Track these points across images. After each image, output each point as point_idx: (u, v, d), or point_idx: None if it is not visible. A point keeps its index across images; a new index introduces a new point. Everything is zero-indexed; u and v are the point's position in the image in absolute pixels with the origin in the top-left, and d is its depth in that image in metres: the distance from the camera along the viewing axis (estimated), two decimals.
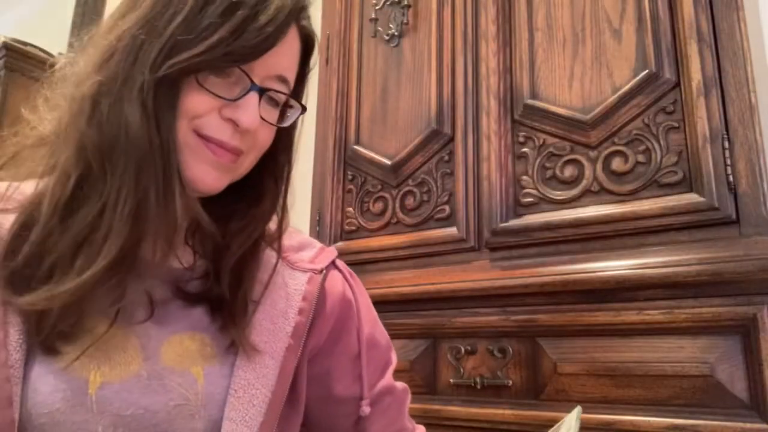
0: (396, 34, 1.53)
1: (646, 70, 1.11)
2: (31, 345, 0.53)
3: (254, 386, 0.59)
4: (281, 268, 0.67)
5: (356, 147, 1.55)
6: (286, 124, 0.63)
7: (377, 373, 0.71)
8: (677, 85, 1.08)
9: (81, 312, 0.53)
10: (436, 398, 1.22)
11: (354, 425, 0.69)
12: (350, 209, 1.53)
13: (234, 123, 0.56)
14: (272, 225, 0.68)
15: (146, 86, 0.52)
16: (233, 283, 0.62)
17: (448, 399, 1.20)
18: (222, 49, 0.53)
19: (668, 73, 1.09)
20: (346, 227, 1.53)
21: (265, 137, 0.61)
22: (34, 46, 2.18)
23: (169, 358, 0.58)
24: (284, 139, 0.64)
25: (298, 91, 0.65)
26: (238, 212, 0.63)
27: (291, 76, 0.61)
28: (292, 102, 0.62)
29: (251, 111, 0.56)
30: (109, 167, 0.53)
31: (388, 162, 1.47)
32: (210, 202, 0.61)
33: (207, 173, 0.57)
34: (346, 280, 0.72)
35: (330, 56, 1.68)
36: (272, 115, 0.61)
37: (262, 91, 0.58)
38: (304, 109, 0.63)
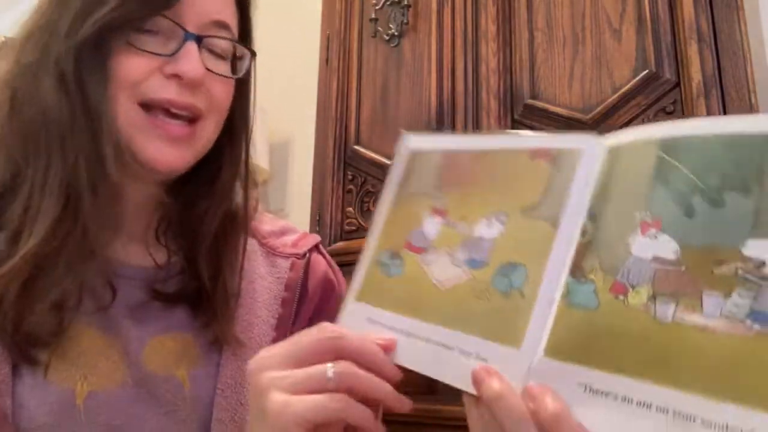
0: (396, 34, 1.53)
1: (646, 70, 1.11)
2: (15, 358, 0.51)
3: (241, 384, 0.57)
4: (262, 256, 0.65)
5: (356, 147, 1.55)
6: (240, 74, 0.59)
7: None
8: (677, 85, 1.08)
9: (60, 320, 0.51)
10: (436, 398, 1.21)
11: None
12: (350, 209, 1.53)
13: (178, 78, 0.53)
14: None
15: (64, 54, 0.50)
16: (211, 274, 0.59)
17: (448, 399, 1.20)
18: None
19: (668, 73, 1.09)
20: (346, 227, 1.53)
21: (221, 93, 0.57)
22: None
23: (152, 362, 0.56)
24: (239, 101, 0.61)
25: (245, 38, 0.61)
26: (200, 193, 0.59)
27: (231, 21, 0.58)
28: (241, 51, 0.59)
29: (193, 59, 0.53)
30: (33, 150, 0.50)
31: (388, 162, 1.47)
32: (176, 189, 0.59)
33: (160, 151, 0.53)
34: (330, 265, 0.70)
35: (330, 56, 1.68)
36: (221, 67, 0.57)
37: (200, 39, 0.54)
38: (253, 54, 0.60)
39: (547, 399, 0.34)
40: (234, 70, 0.59)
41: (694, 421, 0.30)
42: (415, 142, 0.52)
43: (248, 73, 0.62)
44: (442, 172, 0.49)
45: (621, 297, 0.34)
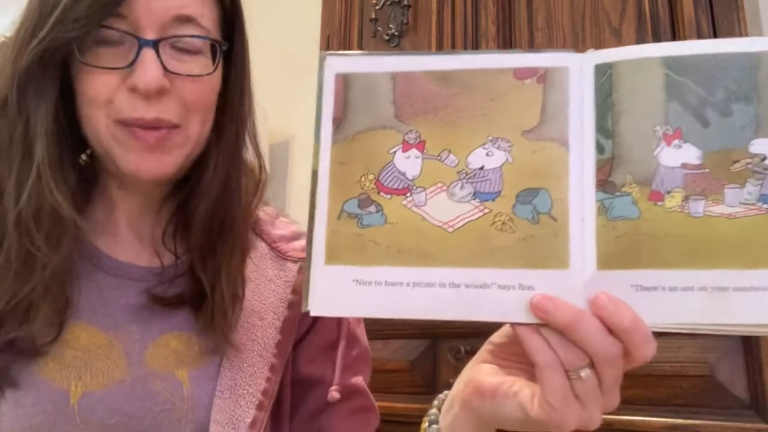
0: (396, 34, 1.53)
1: None
2: (10, 359, 0.52)
3: (241, 386, 0.57)
4: (271, 260, 0.65)
5: None
6: (211, 70, 0.54)
7: (352, 368, 0.66)
8: None
9: (61, 324, 0.52)
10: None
11: (317, 413, 0.63)
12: None
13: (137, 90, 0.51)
14: (262, 214, 0.66)
15: (11, 81, 0.51)
16: (210, 279, 0.58)
17: None
18: (72, 15, 0.49)
19: None
20: None
21: (196, 93, 0.54)
22: None
23: (154, 361, 0.56)
24: (225, 95, 0.58)
25: (228, 25, 0.58)
26: (192, 191, 0.59)
27: (198, 12, 0.53)
28: (217, 42, 0.55)
29: (148, 68, 0.50)
30: None
31: None
32: (179, 188, 0.59)
33: (141, 161, 0.52)
34: None
35: None
36: (193, 64, 0.54)
37: (156, 43, 0.51)
38: (221, 45, 0.56)
39: (619, 306, 0.38)
40: (215, 62, 0.56)
41: (727, 290, 0.38)
42: (341, 64, 0.44)
43: (238, 64, 0.59)
44: (398, 98, 0.43)
45: (659, 203, 0.39)
